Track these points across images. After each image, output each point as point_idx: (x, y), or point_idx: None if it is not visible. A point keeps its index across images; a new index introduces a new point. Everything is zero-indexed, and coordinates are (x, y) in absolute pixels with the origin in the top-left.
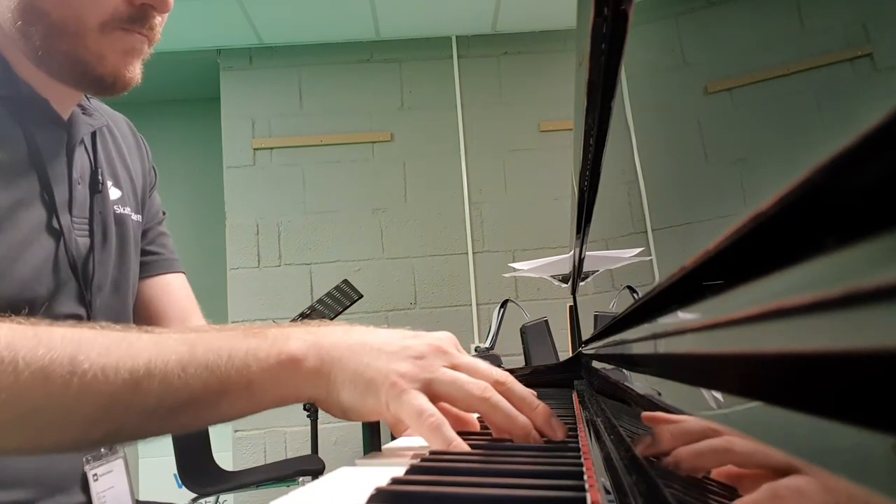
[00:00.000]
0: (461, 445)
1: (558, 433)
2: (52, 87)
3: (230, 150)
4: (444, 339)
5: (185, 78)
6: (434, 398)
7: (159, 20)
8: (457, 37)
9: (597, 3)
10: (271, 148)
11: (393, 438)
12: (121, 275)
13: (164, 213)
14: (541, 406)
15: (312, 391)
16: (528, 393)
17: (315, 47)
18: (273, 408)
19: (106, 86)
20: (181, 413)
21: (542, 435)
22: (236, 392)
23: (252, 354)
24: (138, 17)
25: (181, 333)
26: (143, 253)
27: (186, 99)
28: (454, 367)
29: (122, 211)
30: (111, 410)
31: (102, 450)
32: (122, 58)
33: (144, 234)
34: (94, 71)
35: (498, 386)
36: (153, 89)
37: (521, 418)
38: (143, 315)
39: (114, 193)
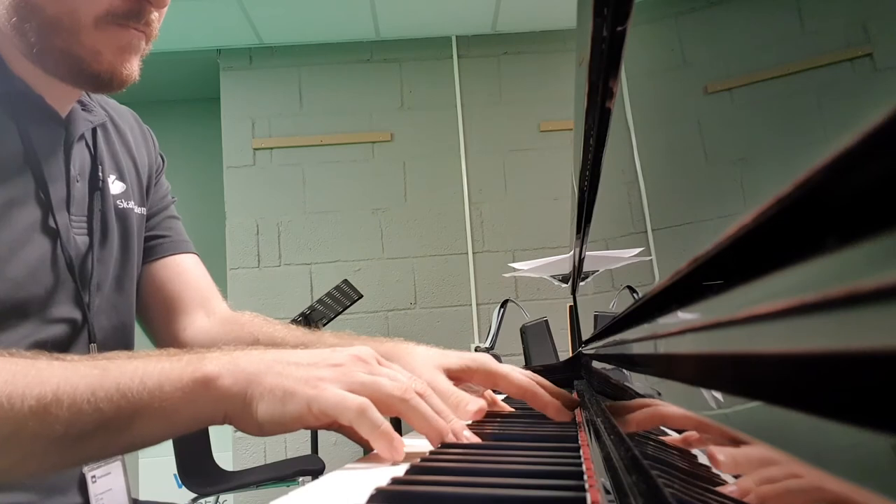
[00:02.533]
0: (388, 430)
1: (461, 438)
2: (49, 84)
3: (230, 150)
4: (363, 351)
5: (185, 78)
6: None
7: (156, 16)
8: (457, 37)
9: (597, 3)
10: (271, 148)
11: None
12: (123, 272)
13: (173, 198)
14: (463, 403)
15: (227, 410)
16: (443, 407)
17: (315, 47)
18: (189, 431)
19: (102, 82)
20: (92, 439)
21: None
22: (149, 415)
23: (165, 375)
24: (134, 13)
25: (92, 360)
26: (150, 238)
27: (186, 99)
28: (373, 373)
29: (125, 206)
30: (17, 439)
31: None
32: (118, 54)
33: (150, 218)
34: (89, 67)
35: (420, 389)
36: (153, 89)
37: (434, 420)
38: (156, 300)
39: (117, 188)
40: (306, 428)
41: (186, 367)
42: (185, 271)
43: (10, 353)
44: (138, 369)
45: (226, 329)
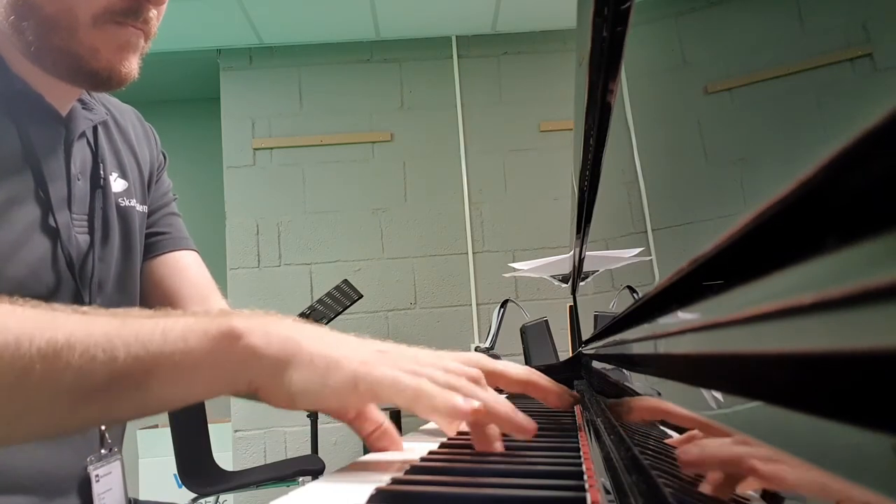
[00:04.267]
0: (454, 400)
1: (528, 431)
2: (48, 83)
3: (230, 150)
4: (403, 348)
5: (185, 78)
6: None
7: (154, 13)
8: (457, 37)
9: (597, 3)
10: (271, 148)
11: (366, 452)
12: (126, 271)
13: (175, 196)
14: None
15: (253, 375)
16: (506, 403)
17: (315, 47)
18: (211, 395)
19: (101, 80)
20: (103, 394)
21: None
22: (168, 370)
23: (189, 328)
24: (132, 11)
25: (112, 313)
26: (150, 235)
27: (186, 99)
28: (419, 363)
29: (126, 203)
30: (21, 386)
31: (102, 450)
32: (116, 52)
33: (151, 215)
34: (87, 66)
35: (471, 376)
36: (153, 89)
37: (501, 405)
38: (155, 297)
39: (119, 186)
40: (340, 409)
41: (212, 323)
42: (185, 268)
43: (26, 300)
44: (160, 322)
45: None
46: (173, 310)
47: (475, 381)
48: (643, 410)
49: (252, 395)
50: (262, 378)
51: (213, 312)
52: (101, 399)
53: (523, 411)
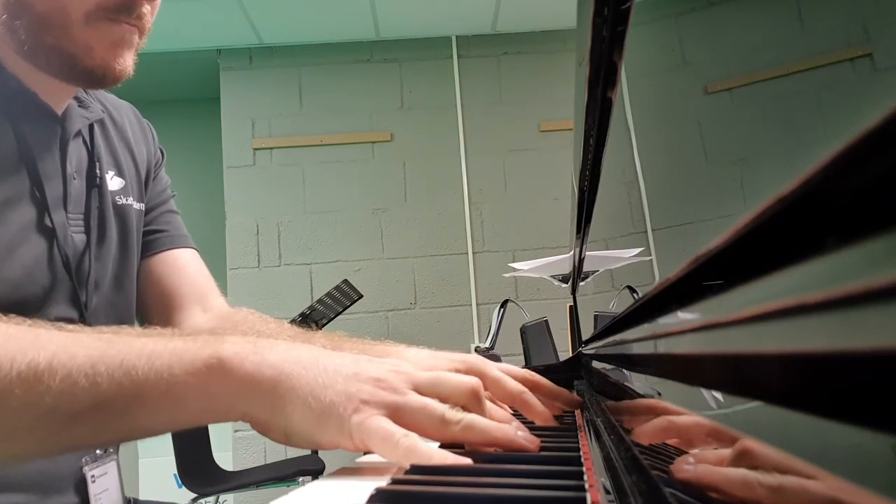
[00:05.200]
0: (445, 456)
1: (531, 445)
2: (43, 81)
3: (230, 150)
4: (402, 365)
5: (185, 78)
6: (401, 426)
7: (148, 9)
8: (457, 37)
9: (597, 3)
10: (271, 148)
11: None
12: (123, 270)
13: (173, 193)
14: (513, 423)
15: (250, 407)
16: (499, 412)
17: (315, 47)
18: (199, 424)
19: (96, 78)
20: (85, 420)
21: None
22: (154, 399)
23: (177, 355)
24: (125, 7)
25: (98, 332)
26: (148, 233)
27: (186, 99)
28: (416, 386)
29: (123, 201)
30: (0, 410)
31: (98, 451)
32: (110, 49)
33: (149, 212)
34: (82, 63)
35: (470, 399)
36: (153, 89)
37: (499, 431)
38: (153, 295)
39: (116, 184)
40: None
41: (202, 349)
42: (183, 266)
43: (9, 317)
44: (147, 346)
45: (220, 325)
46: (162, 328)
47: (474, 395)
48: (655, 433)
49: (244, 421)
50: (258, 412)
51: (203, 337)
52: (85, 424)
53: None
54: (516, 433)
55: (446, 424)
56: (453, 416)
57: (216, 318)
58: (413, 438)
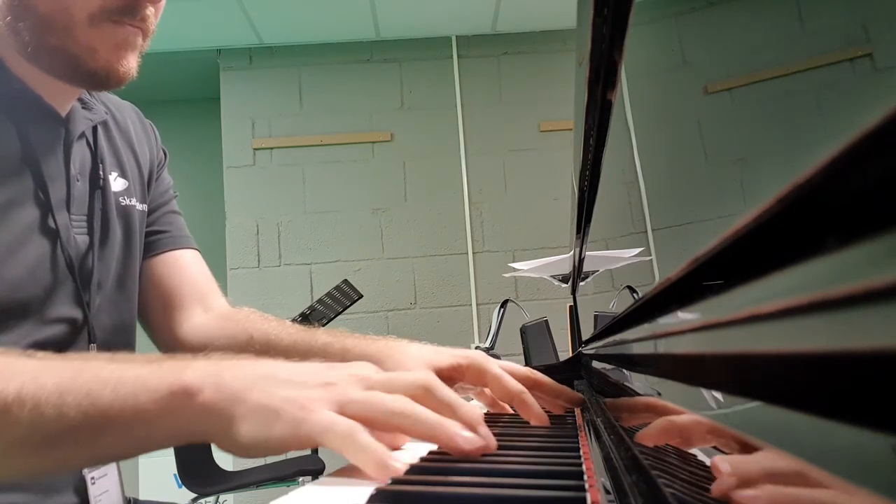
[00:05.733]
0: (382, 452)
1: (486, 441)
2: (47, 83)
3: (230, 150)
4: (361, 367)
5: (185, 78)
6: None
7: (151, 11)
8: (457, 37)
9: (597, 3)
10: (271, 148)
11: None
12: (126, 271)
13: (175, 194)
14: (465, 409)
15: (208, 428)
16: (454, 396)
17: (315, 47)
18: (165, 447)
19: (99, 80)
20: (56, 447)
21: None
22: (119, 426)
23: (141, 384)
24: (128, 9)
25: (68, 360)
26: (150, 233)
27: (186, 99)
28: (369, 387)
29: (127, 203)
30: None
31: None
32: (114, 51)
33: (151, 213)
34: (85, 65)
35: (420, 391)
36: (153, 89)
37: (443, 425)
38: (154, 296)
39: (119, 185)
40: (292, 449)
41: (165, 377)
42: (184, 266)
43: None
44: (113, 374)
45: (221, 325)
46: (131, 354)
47: (425, 390)
48: (646, 414)
49: (209, 442)
50: (215, 431)
51: (167, 363)
52: (55, 451)
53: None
54: (456, 432)
55: (389, 414)
56: (398, 407)
57: (217, 319)
58: (354, 426)
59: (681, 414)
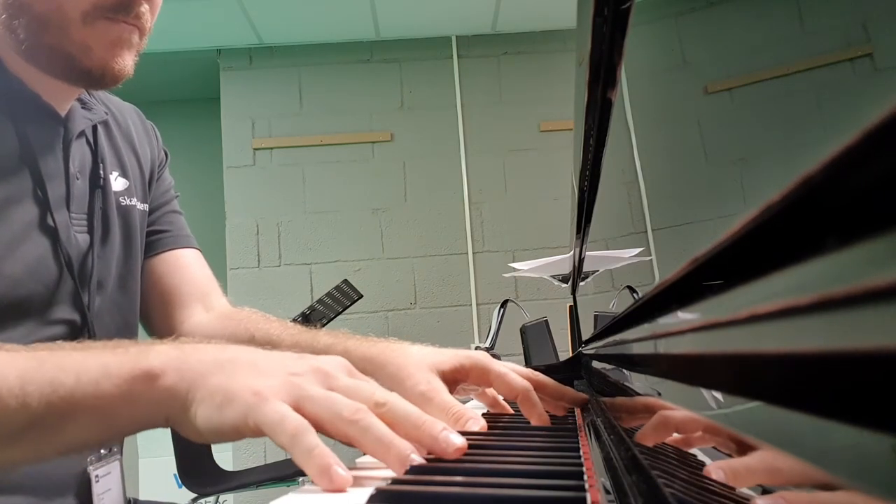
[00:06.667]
0: (326, 457)
1: (449, 449)
2: (45, 82)
3: (230, 150)
4: (330, 362)
5: (185, 78)
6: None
7: (146, 8)
8: (457, 37)
9: (597, 3)
10: (271, 148)
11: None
12: (127, 271)
13: (176, 194)
14: (426, 423)
15: (169, 411)
16: (413, 411)
17: (315, 47)
18: (131, 433)
19: (95, 78)
20: (20, 440)
21: (430, 452)
22: (83, 413)
23: (104, 370)
24: (122, 6)
25: (33, 350)
26: (151, 233)
27: (186, 99)
28: (331, 387)
29: (127, 202)
30: None
31: (102, 451)
32: (109, 49)
33: (152, 212)
34: (80, 63)
35: (377, 408)
36: (153, 89)
37: (396, 445)
38: (154, 295)
39: (120, 184)
40: (245, 437)
41: (128, 362)
42: (185, 266)
43: None
44: (77, 361)
45: (223, 324)
46: (96, 341)
47: (385, 404)
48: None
49: (169, 426)
50: (174, 415)
51: (132, 349)
52: (20, 443)
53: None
54: (403, 458)
55: (342, 421)
56: (353, 415)
57: (219, 318)
58: (303, 425)
59: (675, 411)
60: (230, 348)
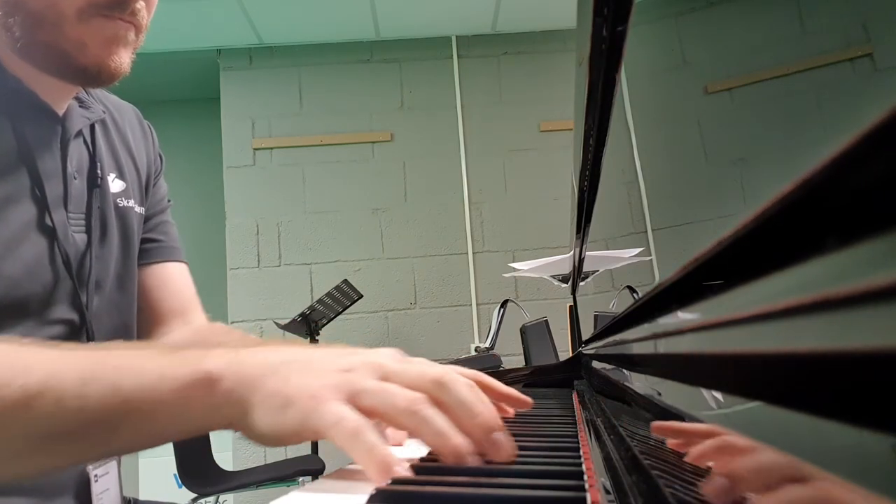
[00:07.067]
0: (386, 455)
1: (500, 453)
2: (43, 81)
3: (230, 150)
4: (382, 353)
5: (185, 78)
6: (361, 413)
7: (142, 5)
8: (457, 37)
9: (597, 3)
10: (271, 148)
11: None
12: (125, 271)
13: (169, 202)
14: (484, 415)
15: (228, 416)
16: (469, 398)
17: (315, 47)
18: (188, 436)
19: (90, 76)
20: (76, 439)
21: (477, 446)
22: (142, 416)
23: (162, 373)
24: (118, 3)
25: (88, 350)
26: (144, 241)
27: (186, 99)
28: (385, 375)
29: (125, 204)
30: None
31: None
32: (104, 46)
33: (146, 220)
34: (75, 61)
35: (436, 388)
36: (153, 89)
37: (454, 439)
38: (139, 306)
39: (117, 186)
40: (305, 440)
41: (187, 366)
42: (171, 281)
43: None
44: (135, 364)
45: (192, 340)
46: (150, 341)
47: (437, 385)
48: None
49: (232, 430)
50: (234, 419)
51: (188, 353)
52: (76, 443)
53: (524, 411)
54: (461, 452)
55: (399, 412)
56: (410, 405)
57: (191, 333)
58: (361, 424)
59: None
60: (283, 350)
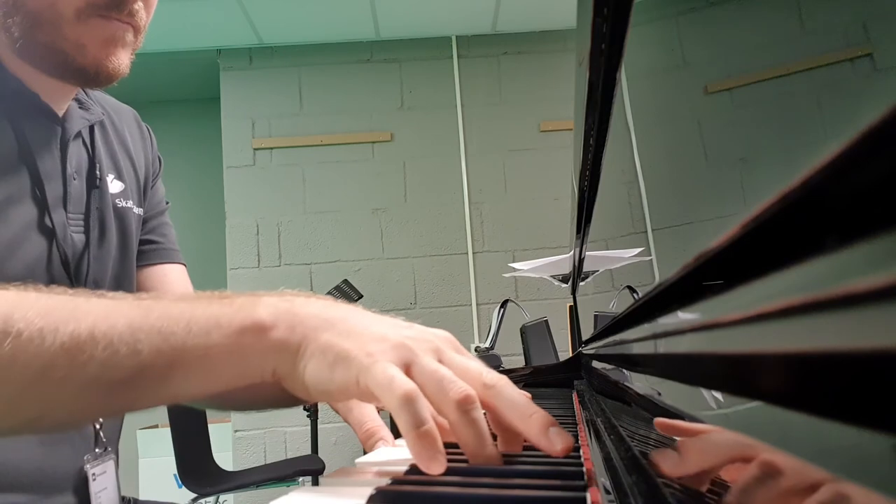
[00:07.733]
0: (432, 430)
1: (557, 446)
2: (42, 82)
3: (230, 150)
4: (440, 335)
5: (185, 78)
6: None
7: (140, 6)
8: (457, 37)
9: (597, 3)
10: (271, 148)
11: (366, 452)
12: (123, 272)
13: (167, 204)
14: (536, 415)
15: (276, 364)
16: (521, 400)
17: (315, 47)
18: (235, 386)
19: (89, 76)
20: (126, 387)
21: (534, 446)
22: (192, 363)
23: (214, 320)
24: (116, 4)
25: (137, 299)
26: (142, 242)
27: (186, 99)
28: (441, 360)
29: (123, 205)
30: (45, 381)
31: (97, 449)
32: (103, 47)
33: (145, 222)
34: (74, 61)
35: (485, 390)
36: (153, 89)
37: (489, 450)
38: None
39: (116, 187)
40: (352, 398)
41: (238, 314)
42: (169, 283)
43: (49, 288)
44: (185, 312)
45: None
46: (199, 292)
47: (494, 389)
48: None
49: (276, 380)
50: (284, 367)
51: (239, 300)
52: (124, 391)
53: None
54: (498, 457)
55: (447, 400)
56: (459, 397)
57: None
58: (415, 391)
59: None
60: (339, 306)
